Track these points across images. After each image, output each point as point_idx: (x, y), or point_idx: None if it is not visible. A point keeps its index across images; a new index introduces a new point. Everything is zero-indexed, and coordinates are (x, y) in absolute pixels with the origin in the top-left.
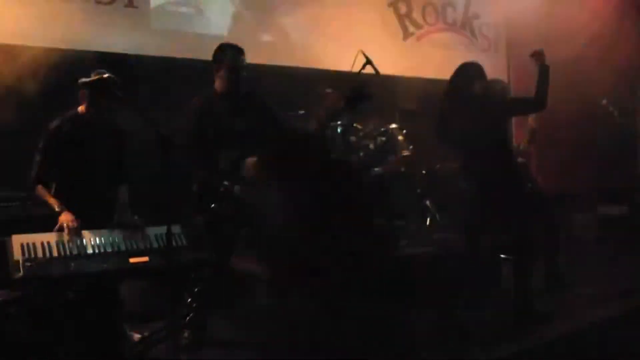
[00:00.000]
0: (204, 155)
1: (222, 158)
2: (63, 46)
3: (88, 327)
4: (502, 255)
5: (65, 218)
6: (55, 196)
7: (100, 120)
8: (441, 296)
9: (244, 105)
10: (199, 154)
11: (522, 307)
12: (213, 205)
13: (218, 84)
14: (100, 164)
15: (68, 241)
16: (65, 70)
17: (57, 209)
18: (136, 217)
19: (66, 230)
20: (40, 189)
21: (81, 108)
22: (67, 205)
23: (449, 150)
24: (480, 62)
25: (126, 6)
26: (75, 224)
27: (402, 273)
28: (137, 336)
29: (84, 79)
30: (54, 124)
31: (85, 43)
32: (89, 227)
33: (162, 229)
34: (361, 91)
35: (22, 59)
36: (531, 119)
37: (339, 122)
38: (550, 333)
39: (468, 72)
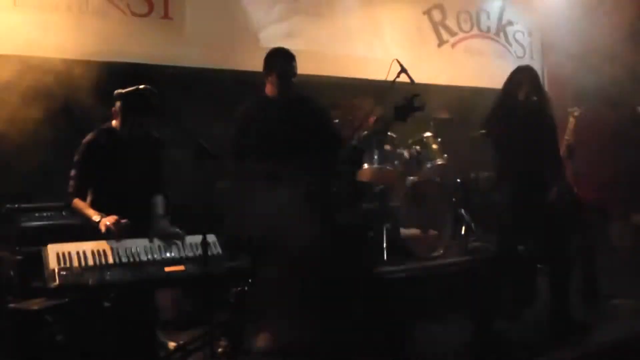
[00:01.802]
0: (250, 161)
1: (271, 163)
2: (100, 59)
3: (124, 336)
4: (538, 265)
5: (110, 218)
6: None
7: (135, 132)
8: (477, 306)
9: (295, 111)
10: (246, 159)
11: (559, 317)
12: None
13: (268, 89)
14: (135, 177)
15: (104, 250)
16: (102, 83)
17: (96, 218)
18: (177, 229)
19: (114, 229)
20: (78, 202)
21: (115, 122)
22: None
23: (493, 151)
24: None
25: (162, 18)
26: (122, 222)
27: (437, 282)
28: (172, 344)
29: (120, 91)
30: (89, 137)
31: (122, 55)
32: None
33: (198, 238)
34: (412, 102)
35: (59, 72)
36: (568, 134)
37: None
38: (589, 343)
39: (523, 76)
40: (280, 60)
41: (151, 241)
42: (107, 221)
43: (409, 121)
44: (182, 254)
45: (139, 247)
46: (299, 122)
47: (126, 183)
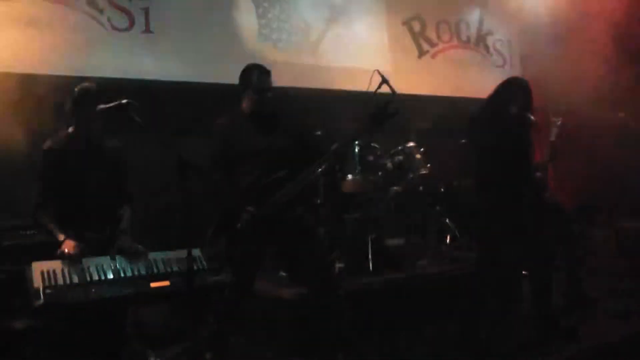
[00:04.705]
0: (228, 176)
1: (248, 178)
2: (81, 74)
3: (109, 352)
4: (523, 272)
5: (67, 245)
6: (55, 218)
7: (96, 139)
8: (463, 314)
9: (271, 126)
10: (224, 174)
11: (544, 322)
12: (239, 225)
13: (245, 105)
14: (98, 184)
15: (89, 267)
16: None
17: (60, 238)
18: (139, 246)
19: (66, 257)
20: (44, 216)
21: (72, 128)
22: (67, 226)
23: (475, 159)
24: (495, 78)
25: (143, 32)
26: (76, 251)
27: (423, 291)
28: None
29: (102, 106)
30: (47, 144)
31: (104, 70)
32: (90, 248)
33: (183, 253)
34: (386, 109)
35: (39, 87)
36: (553, 137)
37: (356, 142)
38: (575, 348)
39: (514, 88)
40: (255, 75)
41: (112, 258)
42: (65, 248)
43: (391, 132)
44: (168, 269)
45: (124, 263)
46: (274, 137)
47: (89, 190)
